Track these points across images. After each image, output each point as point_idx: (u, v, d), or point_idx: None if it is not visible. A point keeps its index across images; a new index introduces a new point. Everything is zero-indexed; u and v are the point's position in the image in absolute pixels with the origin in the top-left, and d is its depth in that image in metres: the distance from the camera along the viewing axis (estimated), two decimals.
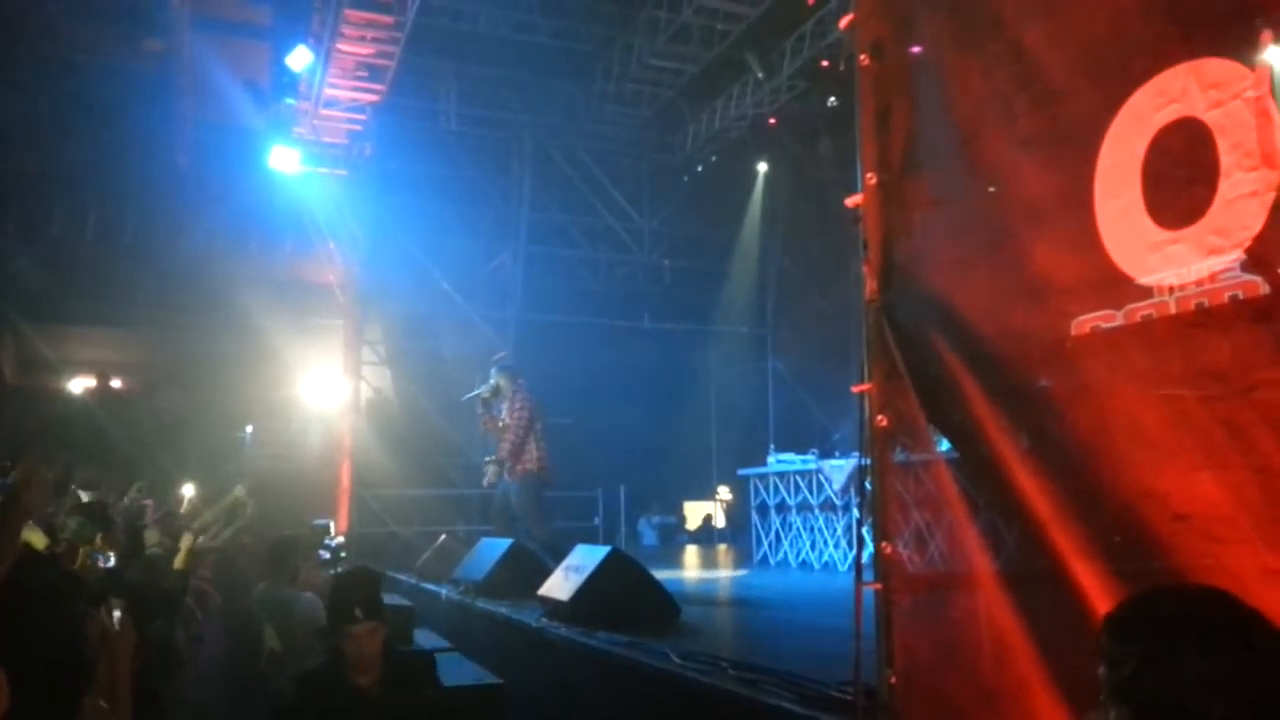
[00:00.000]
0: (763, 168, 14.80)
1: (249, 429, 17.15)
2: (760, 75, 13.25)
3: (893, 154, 2.96)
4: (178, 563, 5.16)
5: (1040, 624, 2.29)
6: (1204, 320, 2.05)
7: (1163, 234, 2.16)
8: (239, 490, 5.98)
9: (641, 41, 13.50)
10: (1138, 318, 2.18)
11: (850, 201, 3.07)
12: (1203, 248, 2.07)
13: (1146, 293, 2.17)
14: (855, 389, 2.97)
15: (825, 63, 12.09)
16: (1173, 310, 2.12)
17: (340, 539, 7.75)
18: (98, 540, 4.48)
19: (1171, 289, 2.13)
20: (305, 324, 14.92)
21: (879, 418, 2.86)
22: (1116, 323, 2.21)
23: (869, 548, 2.93)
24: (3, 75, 13.34)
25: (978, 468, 2.50)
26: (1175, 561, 2.01)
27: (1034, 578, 2.32)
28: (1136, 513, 2.11)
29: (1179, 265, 2.11)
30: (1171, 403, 2.08)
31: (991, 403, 2.47)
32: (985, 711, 2.39)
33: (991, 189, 2.61)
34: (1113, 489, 2.17)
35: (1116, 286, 2.21)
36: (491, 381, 8.77)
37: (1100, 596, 2.10)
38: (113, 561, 4.51)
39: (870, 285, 2.95)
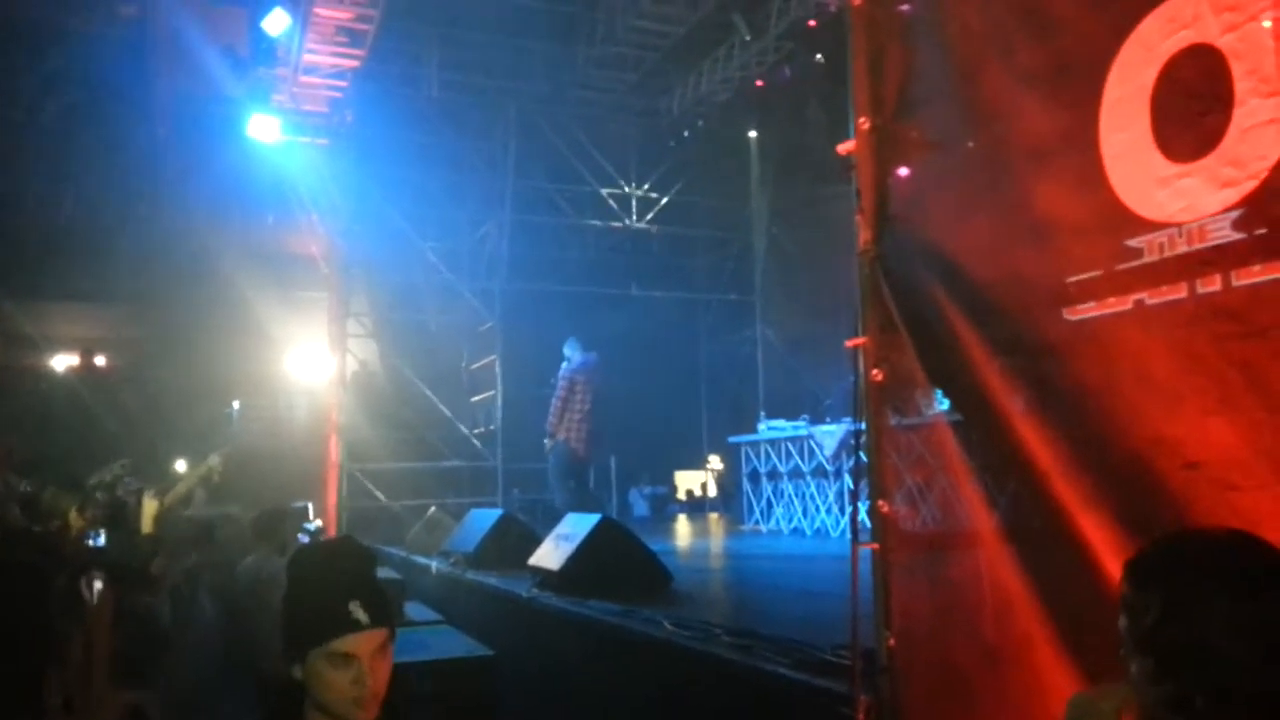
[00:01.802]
0: (752, 133, 14.55)
1: (235, 405, 17.02)
2: (747, 37, 13.02)
3: (886, 97, 2.84)
4: (145, 526, 5.06)
5: (1045, 581, 2.21)
6: (1216, 257, 1.95)
7: (1173, 168, 2.04)
8: (213, 458, 5.86)
9: (625, 3, 13.23)
10: (1146, 257, 2.07)
11: (842, 148, 2.95)
12: (1216, 180, 1.95)
13: (1156, 230, 2.06)
14: (849, 343, 2.86)
15: (813, 22, 11.86)
16: (1183, 248, 2.01)
17: (319, 523, 7.64)
18: (73, 514, 4.38)
19: (1182, 225, 2.02)
20: (290, 297, 14.77)
21: (874, 372, 2.76)
22: (1124, 264, 2.10)
23: (865, 508, 2.84)
24: None
25: (977, 420, 2.40)
26: (1187, 511, 1.92)
27: (1037, 533, 2.23)
28: (1146, 462, 2.01)
29: (1190, 200, 2.00)
30: (1182, 345, 1.97)
31: (992, 352, 2.36)
32: (988, 672, 2.31)
33: (991, 129, 2.49)
34: (1121, 438, 2.07)
35: (1124, 225, 2.10)
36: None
37: (1108, 551, 2.01)
38: (103, 540, 4.41)
39: (864, 235, 2.83)
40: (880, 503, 2.68)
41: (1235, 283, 1.90)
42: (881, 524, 2.68)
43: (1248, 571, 1.26)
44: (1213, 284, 1.94)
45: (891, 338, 2.71)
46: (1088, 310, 2.13)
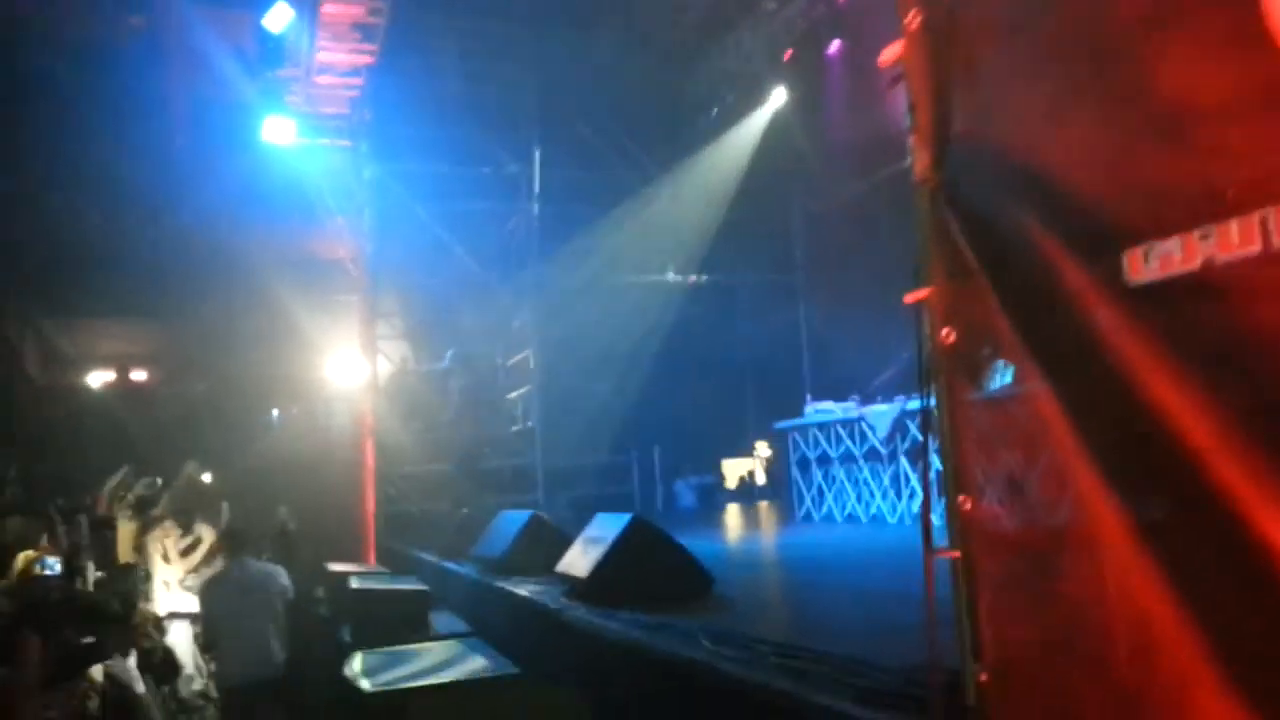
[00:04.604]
0: (780, 98, 13.74)
1: (275, 413, 16.87)
2: (773, 5, 12.35)
3: None
4: (123, 554, 4.62)
5: (1203, 598, 1.60)
6: None
7: None
8: (190, 466, 5.47)
9: None
10: None
11: (887, 56, 2.34)
12: None
13: None
14: (909, 298, 2.26)
15: None
16: None
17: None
18: (42, 543, 3.95)
19: None
20: (323, 302, 14.48)
21: (944, 332, 2.16)
22: None
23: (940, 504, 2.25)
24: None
25: (1092, 386, 1.79)
26: None
27: (1190, 532, 1.62)
28: None
29: None
30: None
31: (1112, 294, 1.76)
32: None
33: None
34: None
35: None
36: None
37: None
38: (58, 569, 3.96)
39: (922, 160, 2.23)
40: (961, 498, 2.08)
41: None
42: (964, 525, 2.08)
43: None
44: None
45: (964, 287, 2.11)
46: (1256, 223, 1.52)
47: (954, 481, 2.13)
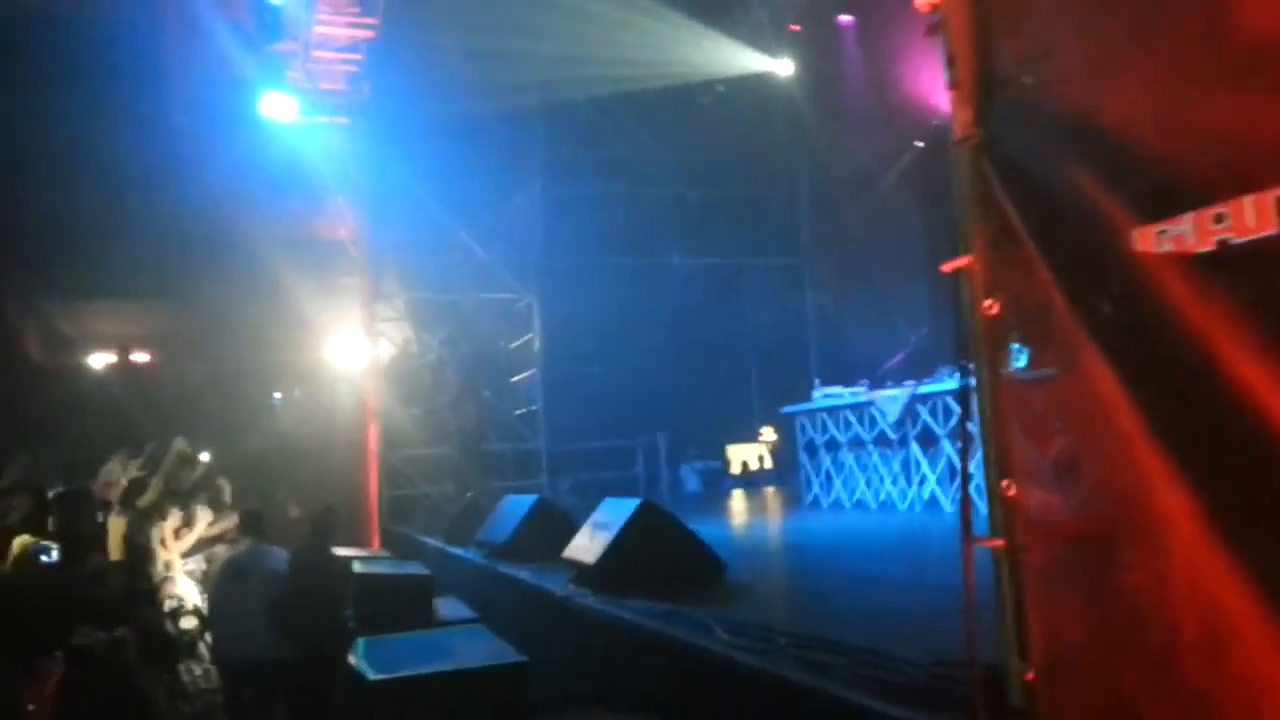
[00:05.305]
0: (788, 70, 13.43)
1: (277, 395, 16.76)
2: None
3: None
4: (112, 551, 4.46)
5: None
6: None
7: None
8: (179, 443, 5.32)
9: None
10: None
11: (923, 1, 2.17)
12: None
13: None
14: (946, 267, 2.10)
15: None
16: None
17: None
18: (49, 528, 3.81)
19: None
20: (326, 284, 14.32)
21: (986, 303, 2.00)
22: None
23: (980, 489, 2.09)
24: None
25: (1159, 359, 1.63)
26: None
27: (1271, 515, 1.47)
28: None
29: None
30: None
31: (1180, 261, 1.59)
32: None
33: None
34: None
35: None
36: None
37: None
38: (55, 556, 3.81)
39: (962, 115, 2.06)
40: (1004, 483, 1.92)
41: None
42: (1007, 512, 1.93)
43: None
44: None
45: (1010, 253, 1.94)
46: None
47: (996, 465, 1.97)
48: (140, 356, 16.00)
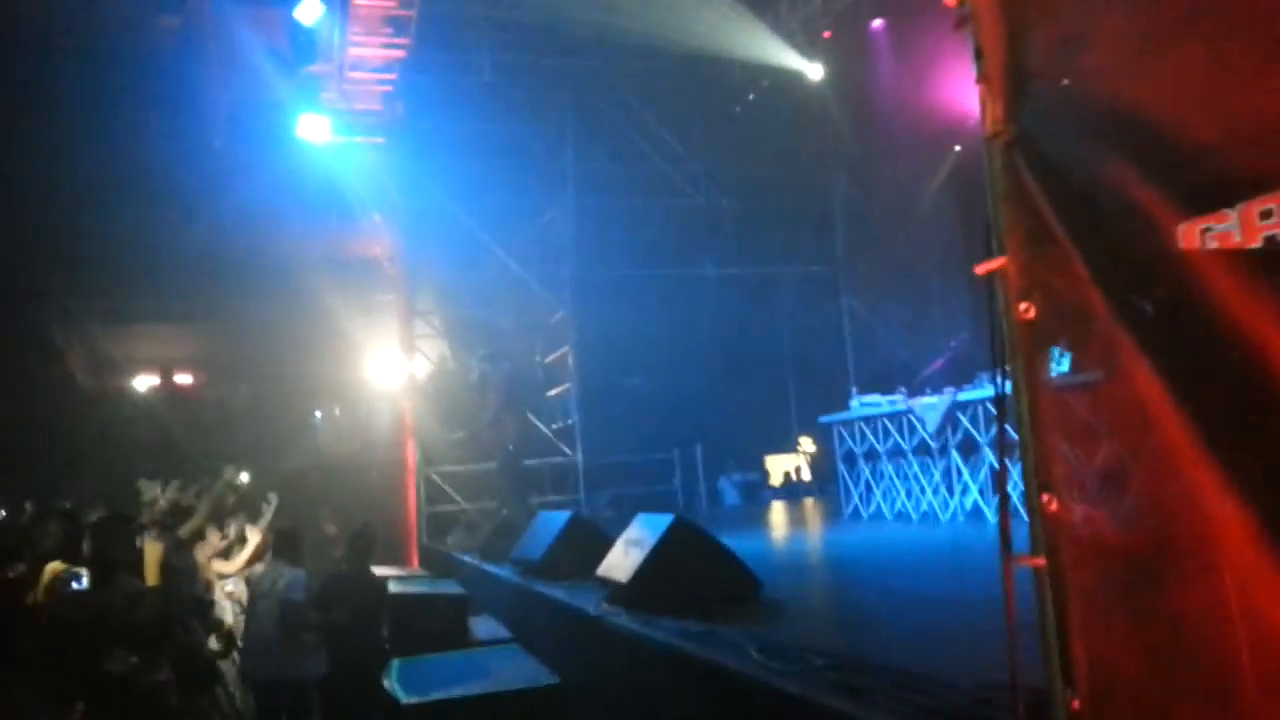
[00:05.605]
0: (818, 74, 13.27)
1: (318, 414, 16.92)
2: None
3: None
4: (149, 576, 4.43)
5: None
6: None
7: None
8: (229, 472, 5.31)
9: None
10: None
11: None
12: None
13: None
14: (980, 269, 1.99)
15: None
16: None
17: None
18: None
19: None
20: (362, 302, 14.44)
21: (1022, 306, 1.89)
22: None
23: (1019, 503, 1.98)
24: (31, 76, 13.05)
25: (1210, 362, 1.52)
26: None
27: None
28: None
29: None
30: None
31: (1229, 257, 1.48)
32: None
33: None
34: None
35: None
36: None
37: None
38: (85, 583, 3.80)
39: (993, 111, 1.96)
40: (1045, 497, 1.81)
41: None
42: (1049, 528, 1.81)
43: None
44: None
45: (1047, 253, 1.83)
46: None
47: (1035, 478, 1.86)
48: (183, 378, 16.26)
